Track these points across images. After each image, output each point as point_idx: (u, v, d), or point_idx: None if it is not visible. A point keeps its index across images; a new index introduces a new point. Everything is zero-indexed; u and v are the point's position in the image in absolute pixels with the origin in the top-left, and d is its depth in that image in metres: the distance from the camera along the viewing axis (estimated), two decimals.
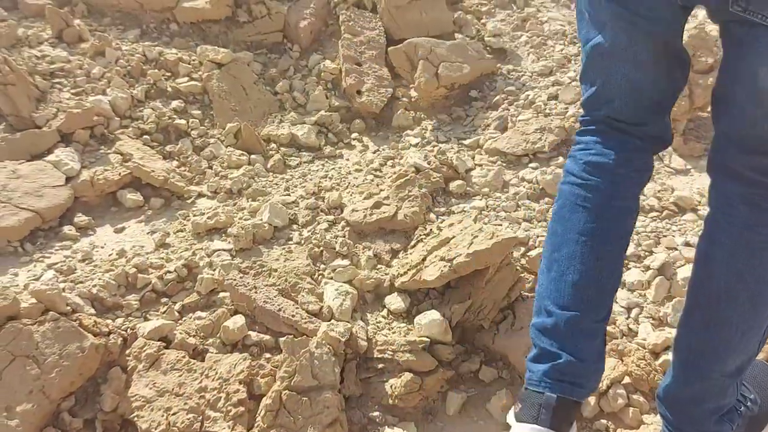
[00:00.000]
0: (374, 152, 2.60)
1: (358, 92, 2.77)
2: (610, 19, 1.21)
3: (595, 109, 1.34)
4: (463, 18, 3.13)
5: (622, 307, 1.93)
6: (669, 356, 1.73)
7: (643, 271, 2.03)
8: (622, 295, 1.97)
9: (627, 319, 1.90)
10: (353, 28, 2.99)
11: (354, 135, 2.71)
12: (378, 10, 3.11)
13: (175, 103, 2.65)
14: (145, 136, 2.50)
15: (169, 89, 2.71)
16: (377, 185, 2.33)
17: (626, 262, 2.06)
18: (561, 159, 2.43)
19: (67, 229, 2.10)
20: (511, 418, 1.29)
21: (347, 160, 2.57)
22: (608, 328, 1.79)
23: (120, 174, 2.27)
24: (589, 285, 1.27)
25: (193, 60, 2.82)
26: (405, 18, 3.01)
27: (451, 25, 3.07)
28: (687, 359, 1.32)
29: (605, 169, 1.29)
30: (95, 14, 3.01)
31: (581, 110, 1.39)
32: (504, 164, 2.46)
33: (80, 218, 2.15)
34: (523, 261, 2.00)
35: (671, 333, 1.82)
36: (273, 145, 2.61)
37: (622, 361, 1.76)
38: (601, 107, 1.32)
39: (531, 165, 2.42)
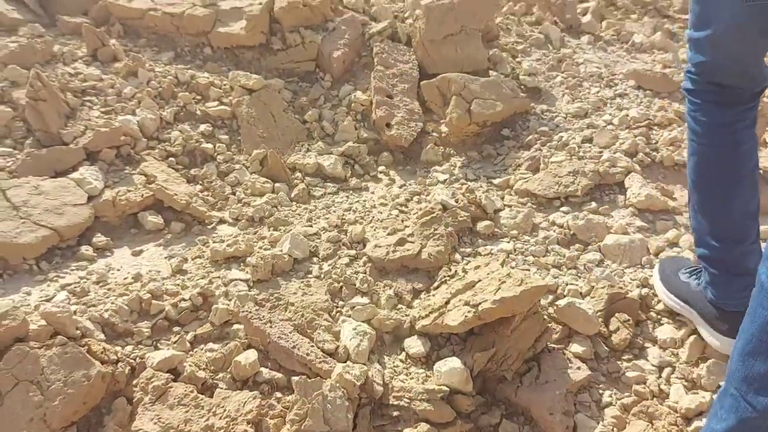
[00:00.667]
0: (401, 187, 2.54)
1: (388, 125, 2.73)
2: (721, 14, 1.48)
3: (706, 74, 1.61)
4: (498, 55, 3.09)
5: (653, 365, 1.83)
6: (702, 423, 1.63)
7: (676, 328, 1.92)
8: (653, 352, 1.86)
9: (658, 378, 1.79)
10: (386, 60, 2.97)
11: (381, 168, 2.66)
12: (412, 43, 3.08)
13: (203, 127, 2.63)
14: (170, 159, 2.48)
15: (199, 112, 2.69)
16: (402, 221, 2.27)
17: (659, 317, 1.96)
18: (593, 204, 2.35)
19: (85, 249, 2.07)
20: (716, 338, 1.77)
21: (372, 193, 2.51)
22: (638, 387, 1.70)
23: (142, 195, 2.24)
24: (741, 219, 1.66)
25: (225, 85, 2.81)
26: (440, 53, 2.98)
27: (486, 62, 3.02)
28: (740, 395, 1.24)
29: (726, 124, 1.60)
30: (131, 35, 3.03)
31: (691, 68, 1.64)
32: (534, 206, 2.38)
33: (99, 239, 2.12)
34: (550, 310, 1.91)
35: (705, 397, 1.71)
36: (298, 174, 2.57)
37: (652, 424, 1.65)
38: (711, 75, 1.60)
39: (562, 209, 2.34)
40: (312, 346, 1.75)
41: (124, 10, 3.03)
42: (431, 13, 2.99)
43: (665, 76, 3.06)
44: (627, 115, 2.78)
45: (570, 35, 3.66)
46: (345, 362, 1.71)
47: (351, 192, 2.51)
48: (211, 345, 1.78)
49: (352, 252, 2.13)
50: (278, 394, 1.65)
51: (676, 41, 3.90)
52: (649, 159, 2.55)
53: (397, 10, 3.40)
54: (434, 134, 2.78)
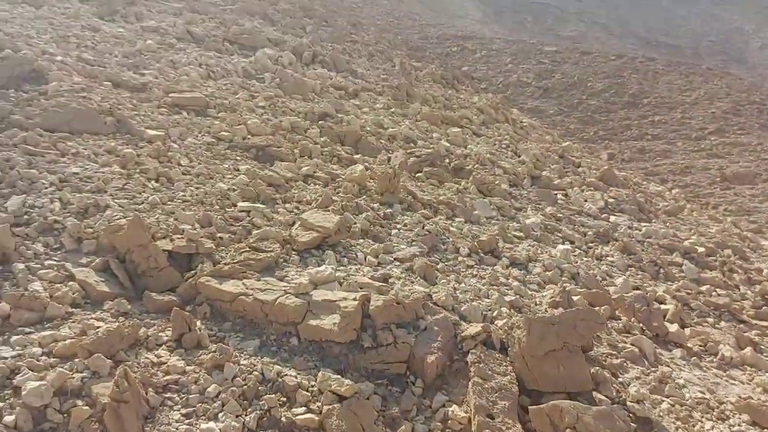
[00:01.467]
0: None
1: None
2: None
3: None
4: (600, 374, 2.89)
5: None
6: None
7: None
8: None
9: None
10: (483, 371, 2.76)
11: None
12: (509, 352, 2.91)
13: None
14: None
15: (284, 419, 2.43)
16: None
17: None
18: None
19: None
20: None
21: None
22: None
23: None
24: None
25: (313, 387, 2.58)
26: (541, 369, 2.78)
27: (590, 383, 2.81)
28: None
29: None
30: (217, 317, 2.90)
31: None
32: None
33: None
34: None
35: None
36: None
37: None
38: None
39: None
40: None
41: (214, 291, 2.93)
42: (532, 327, 2.86)
43: None
44: None
45: (659, 344, 3.52)
46: None
47: None
48: None
49: None
50: None
51: (759, 351, 3.77)
52: None
53: (485, 308, 3.30)
54: None
